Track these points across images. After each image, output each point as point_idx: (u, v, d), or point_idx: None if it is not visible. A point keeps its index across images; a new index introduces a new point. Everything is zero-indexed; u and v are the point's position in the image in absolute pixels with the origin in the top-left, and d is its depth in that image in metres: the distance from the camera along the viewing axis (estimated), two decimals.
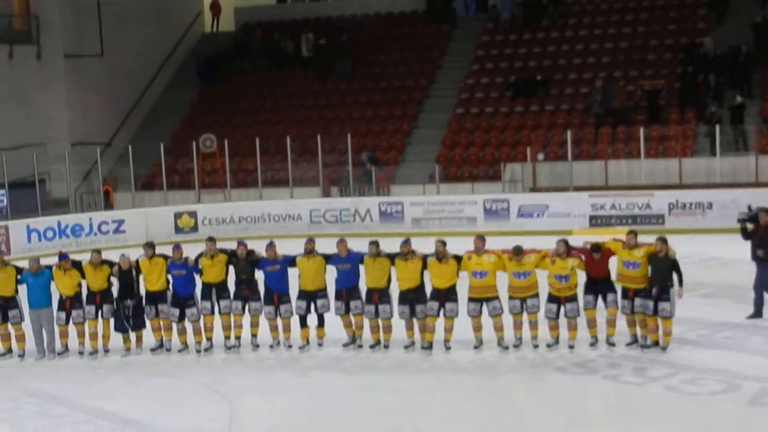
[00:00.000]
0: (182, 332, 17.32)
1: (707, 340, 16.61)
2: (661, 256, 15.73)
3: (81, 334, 17.35)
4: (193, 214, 31.01)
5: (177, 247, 17.47)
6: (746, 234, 17.74)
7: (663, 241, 15.92)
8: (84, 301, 17.24)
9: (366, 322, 16.88)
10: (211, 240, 17.50)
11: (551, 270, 16.05)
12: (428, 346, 16.51)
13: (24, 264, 17.71)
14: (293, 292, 17.05)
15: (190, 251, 17.62)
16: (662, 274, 15.73)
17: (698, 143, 30.41)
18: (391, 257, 16.60)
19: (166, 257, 17.21)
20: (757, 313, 17.55)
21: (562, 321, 16.20)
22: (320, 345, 17.13)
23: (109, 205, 32.66)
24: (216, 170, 33.32)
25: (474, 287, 16.25)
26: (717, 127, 29.07)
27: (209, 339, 17.28)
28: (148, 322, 17.31)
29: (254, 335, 17.28)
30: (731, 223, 25.63)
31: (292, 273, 17.11)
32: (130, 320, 17.14)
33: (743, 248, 17.91)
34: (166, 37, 40.87)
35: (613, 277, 16.18)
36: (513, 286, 16.18)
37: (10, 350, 17.53)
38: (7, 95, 34.29)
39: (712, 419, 13.08)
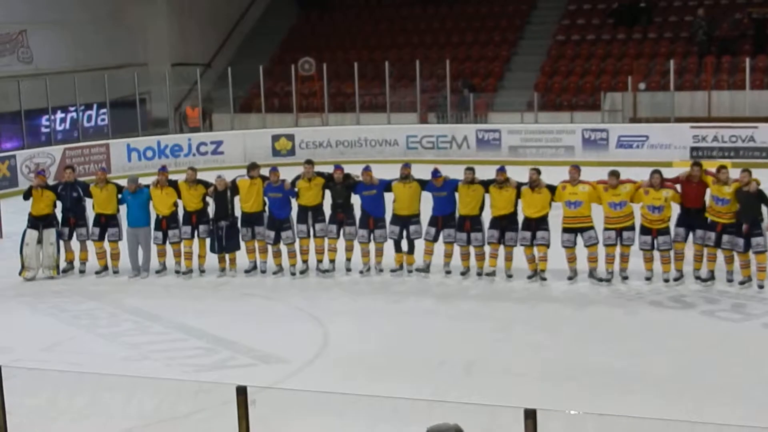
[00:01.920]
0: (277, 255, 17.39)
1: None
2: (746, 189, 15.42)
3: (177, 254, 17.56)
4: (290, 137, 31.11)
5: (274, 169, 17.46)
6: None
7: (749, 173, 15.62)
8: (180, 221, 17.42)
9: (457, 249, 16.80)
10: (310, 163, 17.48)
11: (645, 201, 15.84)
12: (510, 275, 16.52)
13: (124, 182, 17.92)
14: (389, 217, 17.05)
15: (287, 174, 17.65)
16: (751, 209, 15.43)
17: None
18: (485, 184, 16.52)
19: (264, 178, 17.26)
20: None
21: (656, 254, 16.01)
22: (410, 272, 17.11)
23: (187, 128, 32.80)
24: (314, 94, 33.34)
25: (568, 217, 16.11)
26: None
27: (305, 262, 17.32)
28: (243, 244, 17.42)
29: (348, 259, 17.31)
30: None
31: (388, 198, 17.11)
32: (223, 241, 17.26)
33: None
34: None
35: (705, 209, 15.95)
36: (608, 216, 16.01)
37: (106, 267, 17.82)
38: (109, 15, 34.51)
39: None
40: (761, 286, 15.49)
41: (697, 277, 15.94)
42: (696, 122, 28.28)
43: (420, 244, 17.02)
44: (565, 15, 35.55)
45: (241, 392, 7.51)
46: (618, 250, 16.10)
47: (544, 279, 16.38)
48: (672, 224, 15.98)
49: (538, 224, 16.20)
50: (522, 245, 16.36)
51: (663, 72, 30.35)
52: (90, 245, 17.80)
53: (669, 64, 29.49)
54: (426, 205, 17.03)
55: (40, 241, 17.53)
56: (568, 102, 31.45)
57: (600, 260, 16.20)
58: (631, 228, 15.99)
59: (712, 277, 15.85)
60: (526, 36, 35.67)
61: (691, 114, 29.12)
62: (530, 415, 6.95)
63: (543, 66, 33.45)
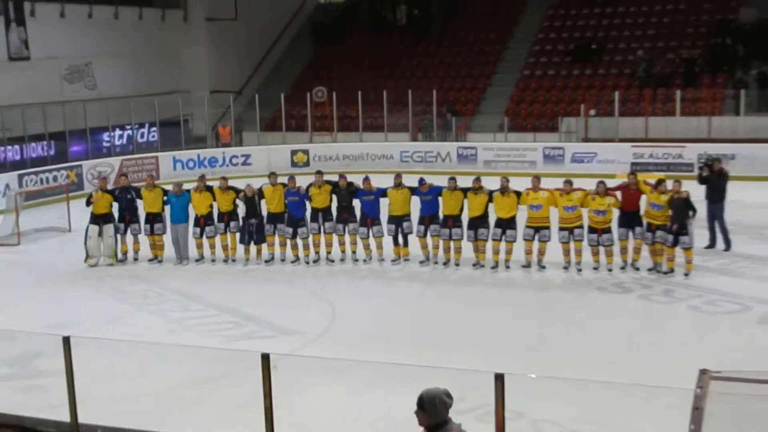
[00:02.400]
0: (294, 247, 17.48)
1: (726, 268, 16.34)
2: (677, 197, 15.54)
3: (212, 246, 17.64)
4: (305, 152, 31.08)
5: (291, 177, 17.68)
6: (702, 179, 17.73)
7: (680, 183, 15.80)
8: (215, 219, 17.51)
9: (441, 244, 16.92)
10: (319, 173, 17.72)
11: (591, 206, 16.07)
12: (477, 264, 16.71)
13: (169, 187, 18.01)
14: (383, 217, 17.20)
15: (303, 182, 17.74)
16: (680, 213, 15.54)
17: (726, 104, 29.62)
18: (464, 191, 16.67)
19: (284, 185, 17.37)
20: (712, 244, 17.44)
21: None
22: (406, 260, 17.24)
23: (220, 143, 32.80)
24: (325, 116, 33.30)
25: (530, 217, 16.36)
26: (743, 92, 28.38)
27: (317, 253, 17.42)
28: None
29: (354, 252, 17.44)
30: (752, 172, 25.27)
31: (383, 203, 17.22)
32: (254, 235, 17.37)
33: (762, 193, 17.63)
34: (289, 4, 40.69)
35: (642, 212, 16.03)
36: (563, 217, 16.18)
37: (155, 257, 17.87)
38: (159, 50, 34.53)
39: (727, 334, 12.92)
40: (687, 274, 15.59)
41: (636, 268, 16.02)
42: (636, 142, 28.28)
43: (414, 243, 17.10)
44: (531, 54, 35.50)
45: (265, 358, 7.54)
46: (572, 245, 16.18)
47: (508, 267, 16.53)
48: (614, 225, 16.07)
49: (509, 223, 16.37)
50: (493, 239, 16.48)
51: (609, 101, 30.29)
52: (142, 238, 17.89)
53: (614, 95, 29.49)
54: (414, 208, 17.14)
55: (100, 234, 17.61)
56: (532, 125, 31.40)
57: (550, 253, 16.31)
58: (581, 227, 16.16)
59: (672, 271, 15.89)
60: (499, 71, 35.60)
61: (632, 135, 29.07)
62: (499, 378, 6.99)
63: (512, 95, 33.40)
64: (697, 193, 16.71)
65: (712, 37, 32.42)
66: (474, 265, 16.76)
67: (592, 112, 30.26)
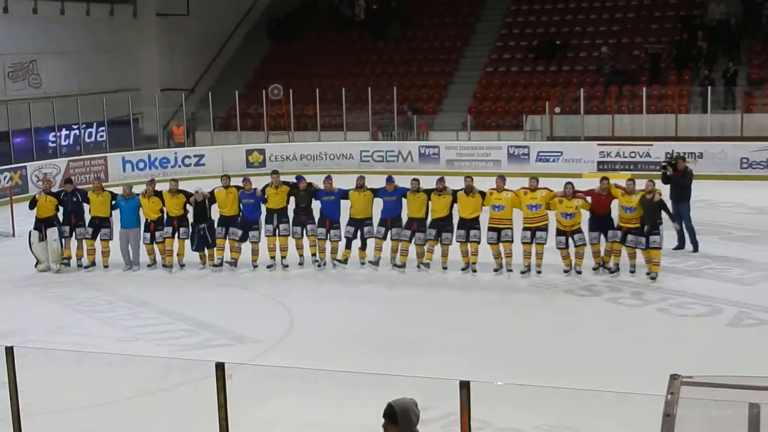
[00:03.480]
0: (237, 250, 17.21)
1: (695, 270, 16.43)
2: (649, 198, 15.60)
3: (162, 252, 17.46)
4: (261, 152, 30.94)
5: (247, 179, 17.56)
6: (665, 177, 17.76)
7: (653, 183, 15.87)
8: (164, 224, 17.34)
9: (399, 246, 16.83)
10: (276, 173, 17.59)
11: (559, 208, 15.97)
12: (446, 267, 16.62)
13: (119, 190, 17.81)
14: (343, 221, 17.07)
15: (259, 182, 17.63)
16: (651, 213, 15.60)
17: (692, 102, 29.90)
18: (428, 192, 16.62)
19: (238, 188, 17.24)
20: (681, 245, 17.53)
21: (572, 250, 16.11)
22: (362, 264, 17.13)
23: (174, 143, 32.58)
24: (282, 115, 33.17)
25: (493, 218, 16.31)
26: (709, 88, 28.64)
27: (273, 258, 17.24)
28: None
29: (313, 254, 17.30)
30: (719, 170, 25.55)
31: (344, 205, 17.13)
32: (208, 239, 17.19)
33: (731, 192, 17.76)
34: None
35: (615, 216, 16.06)
36: (526, 217, 16.15)
37: (93, 264, 17.65)
38: (107, 47, 34.27)
39: (697, 337, 12.99)
40: (654, 278, 15.62)
41: (607, 269, 16.06)
42: (602, 141, 28.45)
43: (370, 243, 17.03)
44: (494, 50, 35.60)
45: (220, 368, 7.45)
46: (534, 248, 16.16)
47: (475, 271, 16.45)
48: (585, 228, 16.06)
49: (472, 224, 16.34)
50: (458, 242, 16.45)
51: (575, 98, 30.46)
52: (84, 243, 17.64)
53: (580, 92, 29.63)
54: (376, 210, 17.08)
55: (43, 239, 17.37)
56: (495, 123, 31.50)
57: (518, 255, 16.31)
58: (544, 228, 16.09)
59: (617, 269, 15.98)
60: (461, 67, 35.68)
61: (598, 133, 29.25)
62: (465, 386, 6.94)
63: (475, 92, 33.47)
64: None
65: (678, 32, 32.69)
66: (419, 265, 16.70)
67: (557, 109, 30.42)
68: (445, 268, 16.61)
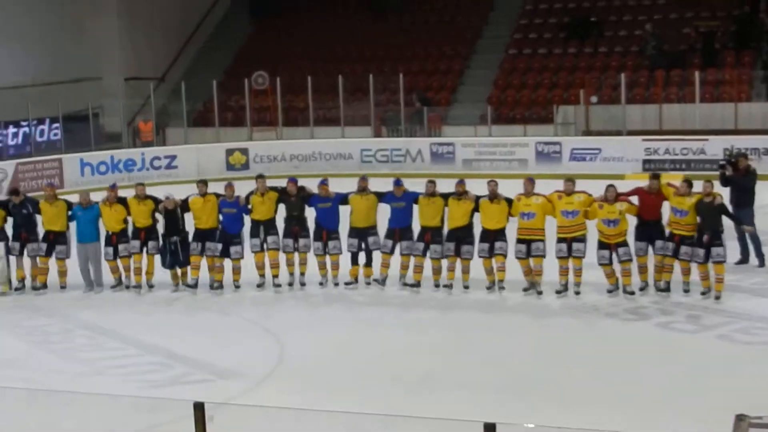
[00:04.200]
0: (220, 270, 17.18)
1: (761, 288, 16.35)
2: (708, 201, 15.50)
3: (127, 269, 17.38)
4: (244, 152, 30.96)
5: (229, 184, 17.40)
6: (724, 179, 17.69)
7: (711, 184, 15.75)
8: (129, 236, 17.26)
9: (412, 261, 16.76)
10: (262, 177, 17.41)
11: (600, 215, 15.83)
12: (467, 286, 16.61)
13: (75, 198, 17.75)
14: (343, 230, 17.01)
15: (241, 188, 17.57)
16: (712, 220, 15.51)
17: (755, 88, 29.92)
18: (445, 197, 16.55)
19: (218, 195, 17.16)
20: (744, 258, 17.48)
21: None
22: (368, 283, 17.08)
23: (140, 142, 32.64)
24: (268, 108, 33.23)
25: (522, 228, 16.17)
26: None
27: (262, 276, 17.18)
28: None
29: (302, 273, 17.23)
30: None
31: (343, 211, 17.07)
32: (180, 255, 17.07)
33: None
34: None
35: (665, 221, 16.00)
36: (561, 226, 16.04)
37: (45, 285, 17.53)
38: (62, 30, 34.26)
39: (766, 369, 12.87)
40: (718, 297, 15.55)
41: (658, 289, 15.97)
42: (648, 135, 28.44)
43: (377, 257, 16.98)
44: (517, 29, 35.67)
45: (199, 408, 7.42)
46: (571, 263, 16.10)
47: (503, 288, 16.41)
48: (630, 238, 15.99)
49: (497, 235, 16.20)
50: (480, 257, 16.36)
51: (614, 85, 30.51)
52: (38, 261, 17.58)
53: (620, 78, 29.61)
54: (382, 218, 17.01)
55: None
56: (521, 115, 31.53)
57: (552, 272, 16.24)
58: (582, 239, 15.97)
59: (668, 287, 15.91)
60: (479, 50, 35.75)
61: (642, 127, 29.29)
62: (490, 430, 6.89)
63: (496, 79, 33.53)
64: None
65: (736, 5, 32.66)
66: (442, 286, 16.69)
67: (594, 99, 30.43)
68: (466, 287, 16.57)
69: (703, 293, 15.68)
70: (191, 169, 29.52)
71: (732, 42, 31.58)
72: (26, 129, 30.88)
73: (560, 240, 16.04)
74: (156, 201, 17.25)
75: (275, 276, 17.20)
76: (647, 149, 27.85)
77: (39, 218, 17.57)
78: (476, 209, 16.35)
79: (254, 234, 17.09)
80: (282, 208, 17.24)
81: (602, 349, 13.90)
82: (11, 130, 30.73)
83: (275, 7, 39.32)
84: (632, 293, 15.91)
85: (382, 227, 16.97)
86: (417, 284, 16.73)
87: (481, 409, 10.84)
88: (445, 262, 16.62)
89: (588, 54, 33.66)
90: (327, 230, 16.96)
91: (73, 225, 17.48)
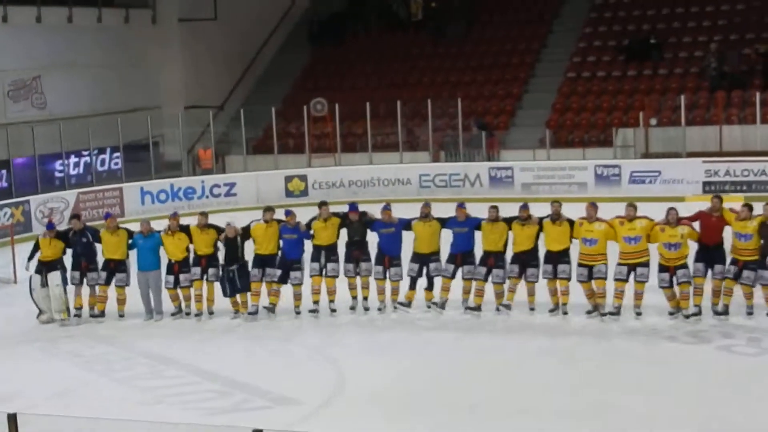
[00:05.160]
0: (276, 294, 17.23)
1: None
2: None
3: (187, 298, 17.52)
4: (303, 178, 31.06)
5: (289, 212, 17.46)
6: None
7: None
8: (191, 264, 17.39)
9: (473, 285, 16.74)
10: (325, 204, 17.50)
11: (661, 238, 15.76)
12: (533, 308, 16.55)
13: (136, 227, 17.91)
14: (405, 257, 17.04)
15: (301, 215, 17.64)
16: None
17: None
18: (508, 221, 16.57)
19: (279, 221, 17.26)
20: None
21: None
22: (428, 307, 17.09)
23: (200, 170, 32.88)
24: (326, 134, 33.36)
25: (584, 254, 16.13)
26: None
27: (316, 302, 17.24)
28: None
29: (365, 298, 17.31)
30: None
31: (406, 238, 17.10)
32: (236, 283, 17.16)
33: None
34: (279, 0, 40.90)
35: (727, 247, 15.83)
36: (623, 252, 15.96)
37: (103, 313, 17.59)
38: (123, 59, 34.67)
39: None
40: None
41: (716, 312, 15.84)
42: (708, 156, 28.21)
43: (438, 281, 16.98)
44: (575, 52, 35.57)
45: None
46: (633, 286, 15.99)
47: (566, 313, 16.40)
48: (690, 261, 15.87)
49: (560, 257, 16.24)
50: (545, 278, 16.38)
51: (674, 107, 30.29)
52: (97, 289, 17.72)
53: (680, 99, 29.40)
54: (444, 243, 17.03)
55: (44, 285, 17.50)
56: (579, 138, 31.39)
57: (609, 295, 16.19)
58: (646, 264, 15.89)
59: (726, 311, 15.75)
60: (538, 73, 35.68)
61: (703, 148, 29.04)
62: None
63: (554, 103, 33.42)
64: None
65: None
66: (502, 305, 16.66)
67: (654, 121, 30.23)
68: (532, 309, 16.56)
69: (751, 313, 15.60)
70: (251, 197, 29.69)
71: None
72: (87, 158, 31.22)
73: (621, 264, 15.98)
74: (218, 230, 17.38)
75: (332, 301, 17.26)
76: (707, 171, 27.61)
77: (99, 247, 17.75)
78: (540, 230, 16.37)
79: (315, 259, 17.16)
80: (344, 234, 17.30)
81: (661, 372, 13.77)
82: (73, 159, 31.10)
83: (334, 33, 39.53)
84: (688, 316, 15.80)
85: (445, 252, 16.98)
86: (478, 308, 16.70)
87: None
88: (507, 284, 16.61)
89: (647, 76, 33.47)
90: (389, 256, 17.02)
91: (133, 253, 17.64)
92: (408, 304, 16.95)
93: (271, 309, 17.26)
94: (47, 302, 17.60)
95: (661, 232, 15.76)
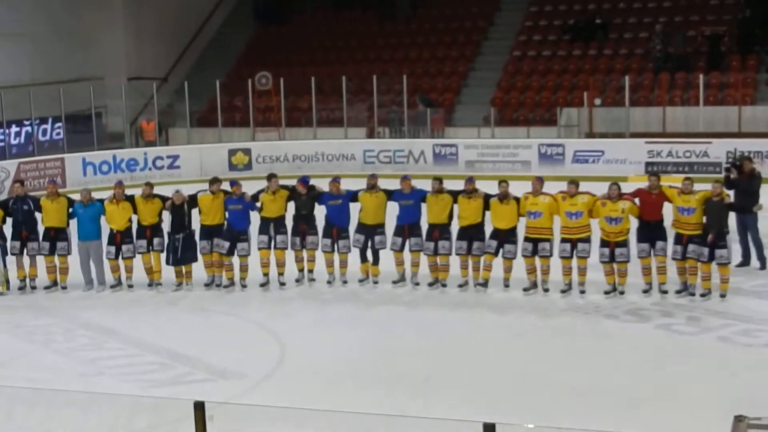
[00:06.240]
0: (229, 269, 17.30)
1: (762, 291, 16.37)
2: (717, 200, 15.58)
3: (130, 269, 17.44)
4: (247, 152, 31.00)
5: (235, 183, 17.47)
6: (729, 182, 17.56)
7: (720, 184, 15.84)
8: (134, 235, 17.31)
9: (423, 260, 16.87)
10: (274, 176, 17.47)
11: (602, 212, 15.94)
12: (483, 284, 16.60)
13: (76, 196, 17.79)
14: (352, 229, 17.13)
15: (245, 189, 17.56)
16: (718, 219, 15.57)
17: (759, 92, 29.94)
18: (454, 194, 16.67)
19: (225, 192, 17.24)
20: (745, 261, 17.51)
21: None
22: (375, 283, 17.16)
23: (143, 141, 32.70)
24: (271, 108, 33.25)
25: (529, 227, 16.28)
26: None
27: (266, 275, 17.24)
28: (200, 257, 17.31)
29: (311, 270, 17.37)
30: None
31: (353, 209, 17.18)
32: (179, 252, 17.10)
33: None
34: None
35: (668, 223, 16.02)
36: (565, 226, 16.16)
37: (55, 283, 17.62)
38: (64, 29, 34.29)
39: (766, 371, 12.90)
40: (723, 296, 15.65)
41: (663, 291, 16.03)
42: (651, 138, 28.47)
43: (389, 257, 17.05)
44: (521, 31, 35.68)
45: (199, 407, 7.46)
46: (575, 262, 16.17)
47: (507, 286, 16.53)
48: (632, 238, 16.04)
49: (507, 236, 16.35)
50: (486, 252, 16.45)
51: (618, 88, 30.49)
52: (40, 260, 17.60)
53: (624, 80, 29.61)
54: (390, 216, 17.11)
55: None
56: (524, 117, 31.54)
57: (556, 272, 16.32)
58: (587, 240, 16.08)
59: (686, 289, 15.99)
60: (484, 51, 35.76)
61: (646, 129, 29.31)
62: (489, 430, 6.93)
63: (500, 81, 33.53)
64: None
65: (741, 10, 32.67)
66: (460, 285, 16.75)
67: (598, 101, 30.41)
68: (481, 284, 16.64)
69: (703, 295, 15.73)
70: (194, 169, 29.59)
71: (737, 46, 31.54)
72: (29, 128, 30.92)
73: (564, 240, 16.15)
74: (163, 199, 17.31)
75: (281, 274, 17.27)
76: (650, 152, 27.86)
77: (39, 217, 17.60)
78: (486, 207, 16.48)
79: (263, 231, 17.14)
80: (291, 207, 17.32)
81: (602, 349, 13.95)
82: (14, 129, 30.76)
83: (279, 7, 39.35)
84: (622, 293, 16.03)
85: (390, 227, 17.06)
86: (435, 281, 16.85)
87: (481, 410, 10.90)
88: (456, 259, 16.71)
89: (592, 56, 33.67)
90: (337, 227, 17.06)
91: (73, 223, 17.51)
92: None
93: (230, 284, 17.30)
94: None
95: (602, 207, 15.94)
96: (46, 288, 17.55)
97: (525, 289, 16.40)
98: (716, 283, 15.82)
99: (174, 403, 10.14)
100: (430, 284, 16.88)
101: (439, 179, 16.96)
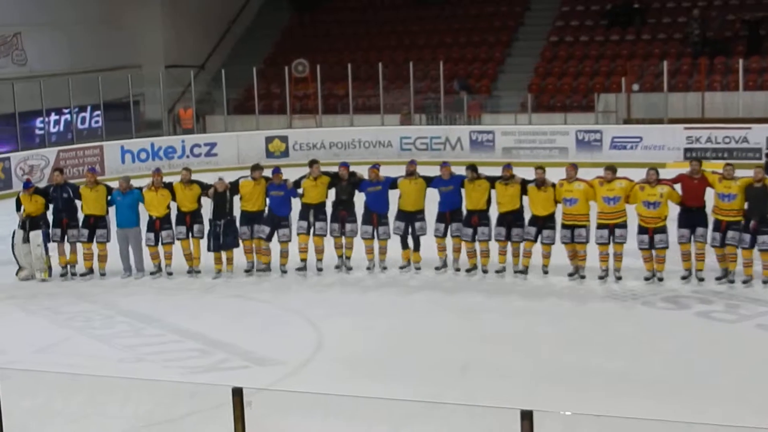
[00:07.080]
0: (267, 253, 17.35)
1: None
2: (759, 186, 15.42)
3: (169, 256, 17.51)
4: (284, 139, 31.08)
5: (277, 170, 17.48)
6: None
7: (762, 169, 15.70)
8: (174, 221, 17.39)
9: (463, 246, 16.90)
10: (316, 162, 17.52)
11: (640, 197, 15.83)
12: (523, 270, 16.61)
13: (115, 184, 17.91)
14: (392, 216, 17.16)
15: (285, 175, 17.61)
16: (760, 205, 15.42)
17: None
18: (491, 180, 16.65)
19: (267, 179, 17.29)
20: None
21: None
22: (418, 269, 17.20)
23: (181, 129, 32.85)
24: (308, 95, 33.31)
25: (566, 214, 16.24)
26: None
27: (303, 260, 17.29)
28: (240, 243, 17.38)
29: (349, 257, 17.40)
30: None
31: (392, 196, 17.20)
32: (220, 238, 17.18)
33: None
34: None
35: (709, 209, 15.92)
36: (602, 212, 16.07)
37: (91, 270, 17.75)
38: (103, 18, 34.52)
39: None
40: (766, 282, 15.52)
41: (700, 278, 15.95)
42: (690, 123, 28.31)
43: (432, 243, 17.06)
44: (558, 16, 35.55)
45: (237, 394, 7.50)
46: (612, 248, 16.11)
47: (546, 272, 16.55)
48: (673, 224, 15.94)
49: (545, 222, 16.36)
50: (525, 239, 16.47)
51: (656, 73, 30.35)
52: (80, 247, 17.72)
53: (662, 66, 29.47)
54: (431, 204, 17.10)
55: (26, 241, 17.48)
56: (561, 103, 31.45)
57: (593, 258, 16.26)
58: (624, 225, 16.00)
59: (726, 275, 15.88)
60: (520, 37, 35.67)
61: (684, 115, 29.15)
62: (527, 417, 6.94)
63: (537, 67, 33.44)
64: None
65: None
66: (497, 271, 16.78)
67: (636, 86, 30.29)
68: (520, 271, 16.67)
69: (745, 281, 15.63)
70: (231, 157, 29.71)
71: None
72: (68, 116, 31.16)
73: (601, 226, 16.07)
74: (202, 185, 17.39)
75: (319, 260, 17.33)
76: (689, 138, 27.71)
77: (79, 204, 17.73)
78: (524, 193, 16.47)
79: (303, 217, 17.19)
80: (331, 194, 17.33)
81: (640, 336, 13.88)
82: (53, 117, 31.03)
83: None
84: (661, 279, 15.95)
85: (430, 214, 17.05)
86: (473, 268, 16.86)
87: (518, 397, 10.91)
88: (495, 246, 16.72)
89: (630, 41, 33.51)
90: (377, 214, 17.08)
91: (112, 210, 17.61)
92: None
93: (266, 269, 17.34)
94: (28, 259, 17.58)
95: (640, 191, 15.82)
96: (82, 275, 17.68)
97: (570, 275, 16.39)
98: (758, 270, 15.69)
99: (212, 389, 10.17)
100: (468, 270, 16.88)
101: (473, 167, 16.93)
